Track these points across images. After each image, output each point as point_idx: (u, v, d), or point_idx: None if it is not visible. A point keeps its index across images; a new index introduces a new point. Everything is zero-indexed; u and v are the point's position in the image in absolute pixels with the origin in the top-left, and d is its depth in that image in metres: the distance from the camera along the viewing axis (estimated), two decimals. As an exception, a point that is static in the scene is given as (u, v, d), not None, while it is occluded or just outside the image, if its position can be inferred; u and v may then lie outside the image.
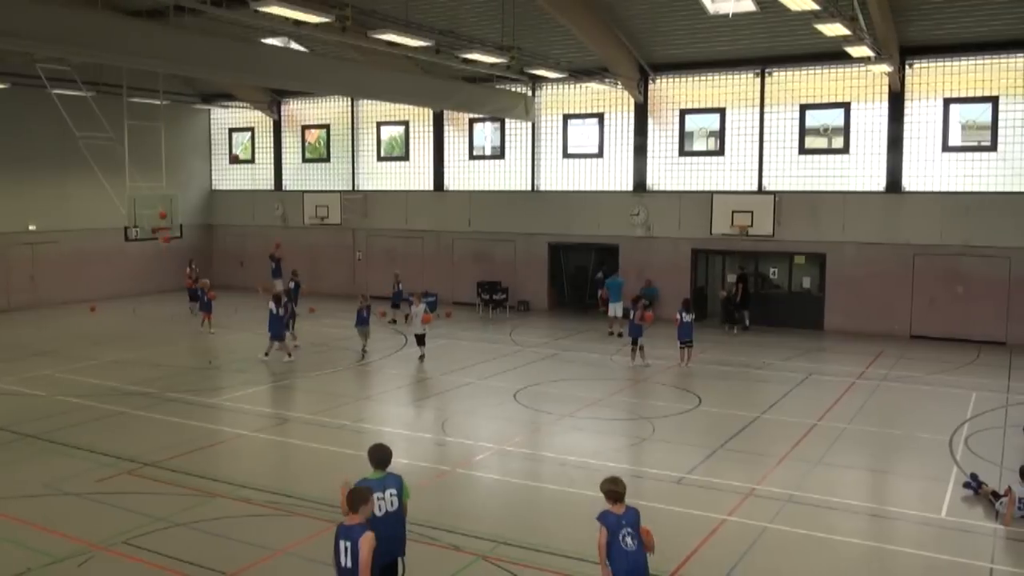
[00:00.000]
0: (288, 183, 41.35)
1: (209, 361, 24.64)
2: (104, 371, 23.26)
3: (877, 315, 29.19)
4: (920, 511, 13.42)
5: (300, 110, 40.88)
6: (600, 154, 33.76)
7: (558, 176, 34.75)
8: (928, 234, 28.35)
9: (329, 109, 39.94)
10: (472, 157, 36.77)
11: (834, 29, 20.05)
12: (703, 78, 31.55)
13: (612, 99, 33.12)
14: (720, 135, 31.63)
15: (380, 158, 38.99)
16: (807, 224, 29.96)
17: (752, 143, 30.91)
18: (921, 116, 28.47)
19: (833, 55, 26.21)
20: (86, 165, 31.04)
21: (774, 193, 30.27)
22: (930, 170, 28.49)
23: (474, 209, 36.12)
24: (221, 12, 19.38)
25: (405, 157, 38.23)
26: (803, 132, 30.30)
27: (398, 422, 19.32)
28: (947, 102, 28.17)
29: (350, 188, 39.27)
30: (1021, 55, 26.80)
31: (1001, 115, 27.38)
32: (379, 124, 38.80)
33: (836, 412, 19.35)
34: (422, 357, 24.36)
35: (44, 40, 18.43)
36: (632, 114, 32.73)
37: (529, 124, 34.54)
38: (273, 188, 41.61)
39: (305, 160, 41.04)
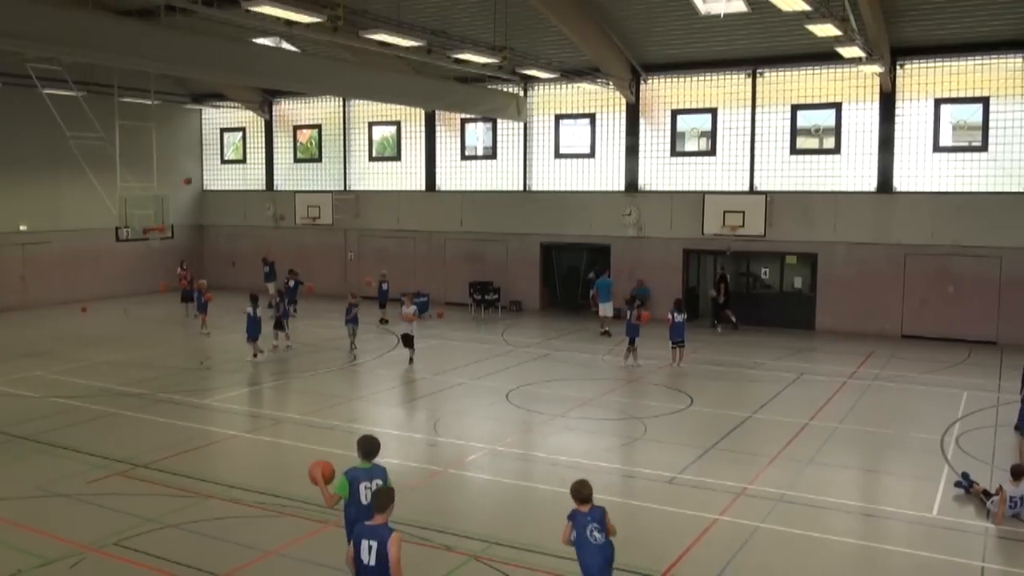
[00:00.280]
0: (280, 183, 41.29)
1: (200, 362, 24.60)
2: (95, 372, 23.21)
3: (868, 315, 29.27)
4: (911, 510, 13.45)
5: (292, 110, 40.83)
6: (592, 154, 33.78)
7: (550, 176, 34.76)
8: (919, 234, 28.43)
9: (321, 109, 39.90)
10: (464, 157, 36.76)
11: (825, 30, 20.08)
12: (695, 78, 31.58)
13: (604, 99, 33.15)
14: (712, 135, 31.66)
15: (372, 158, 38.95)
16: (798, 224, 30.01)
17: (744, 143, 30.96)
18: (912, 116, 28.55)
19: (824, 55, 26.26)
20: (77, 165, 30.95)
21: (765, 193, 30.33)
22: (921, 170, 28.57)
23: (466, 209, 36.12)
24: (212, 12, 19.33)
25: (397, 157, 38.21)
26: (794, 132, 30.36)
27: (390, 422, 19.30)
28: (938, 102, 28.24)
29: (342, 188, 39.23)
30: (1012, 56, 26.88)
31: (992, 115, 27.47)
32: (371, 124, 38.77)
33: (828, 412, 19.39)
34: (410, 360, 24.12)
35: (35, 39, 18.40)
36: (624, 114, 32.76)
37: (521, 124, 34.55)
38: (265, 188, 41.55)
39: (297, 160, 40.98)
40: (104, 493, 13.95)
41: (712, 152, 31.62)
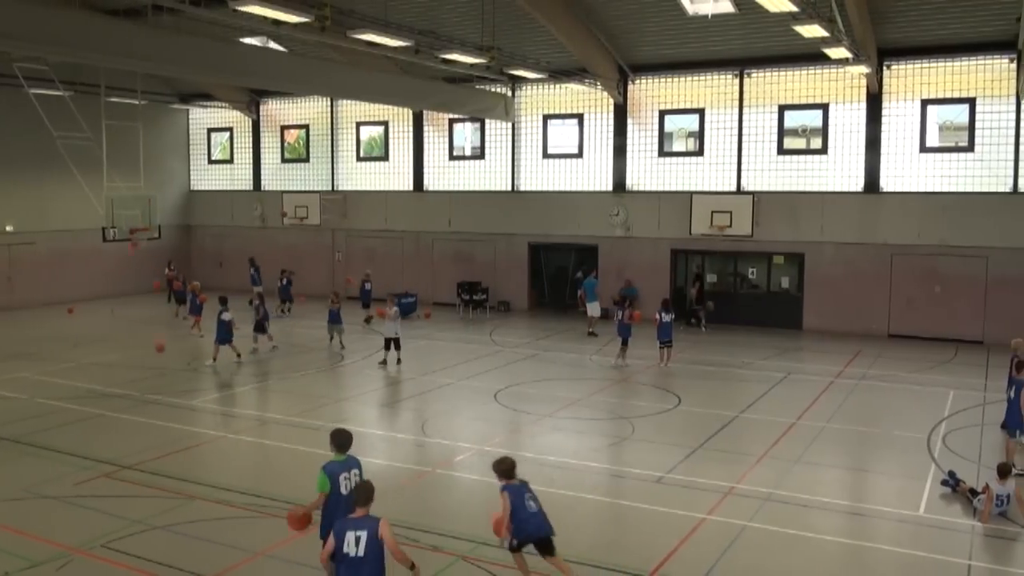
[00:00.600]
0: (267, 183, 41.21)
1: (188, 362, 24.53)
2: (82, 373, 23.12)
3: (855, 314, 29.37)
4: (898, 508, 13.51)
5: (279, 110, 40.75)
6: (580, 154, 33.82)
7: (538, 176, 34.77)
8: (906, 234, 28.53)
9: (308, 109, 39.83)
10: (452, 157, 36.75)
11: (812, 30, 20.14)
12: (682, 79, 31.65)
13: (592, 100, 33.18)
14: (699, 136, 31.72)
15: (360, 158, 38.90)
16: (786, 224, 30.10)
17: (731, 144, 31.03)
18: (899, 117, 28.66)
19: (811, 56, 26.30)
20: (64, 165, 30.82)
21: (753, 193, 30.40)
22: (908, 171, 28.69)
23: (454, 209, 36.10)
24: (200, 11, 19.29)
25: (385, 157, 38.17)
26: (782, 133, 30.44)
27: (378, 423, 19.31)
28: (924, 103, 28.36)
29: (330, 188, 39.17)
30: (998, 56, 27.01)
31: (978, 116, 27.60)
32: (359, 124, 38.72)
33: (815, 411, 19.45)
34: (398, 361, 24.01)
35: (21, 39, 18.32)
36: (612, 115, 32.80)
37: (509, 124, 34.55)
38: (252, 188, 41.45)
39: (284, 160, 40.90)
40: (91, 495, 13.90)
41: (700, 152, 31.69)
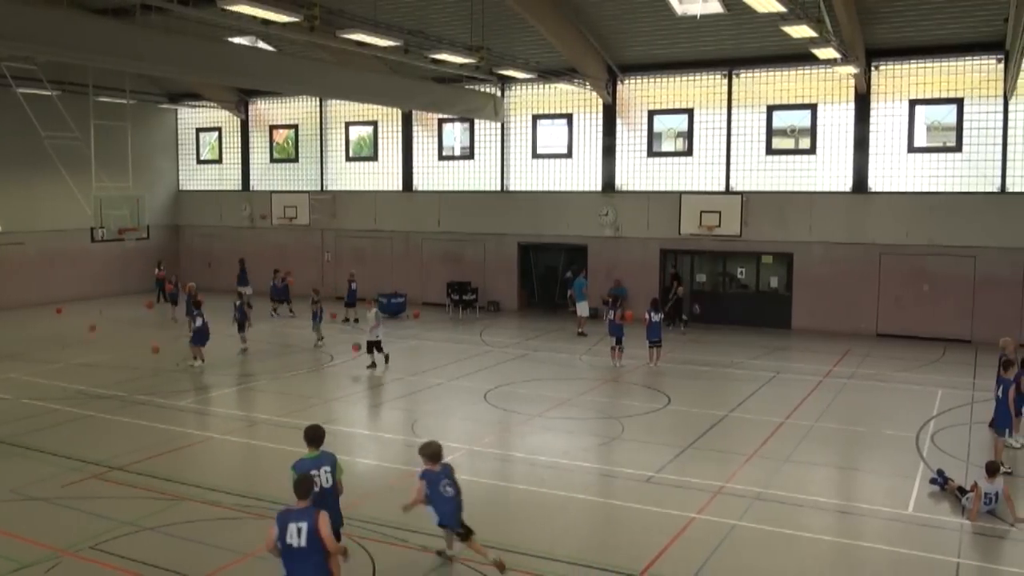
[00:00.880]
0: (256, 183, 41.13)
1: (177, 363, 24.46)
2: (71, 374, 23.04)
3: (844, 314, 29.46)
4: (887, 507, 13.55)
5: (268, 110, 40.68)
6: (569, 154, 33.84)
7: (527, 176, 34.79)
8: (894, 234, 28.64)
9: (297, 109, 39.76)
10: (441, 157, 36.73)
11: (801, 31, 20.18)
12: (671, 79, 31.70)
13: (581, 100, 33.20)
14: (688, 136, 31.78)
15: (349, 158, 38.86)
16: (774, 224, 30.17)
17: (720, 144, 31.09)
18: (887, 117, 28.76)
19: (800, 57, 26.34)
20: (52, 165, 30.66)
21: (742, 193, 30.47)
22: (896, 171, 28.78)
23: (444, 209, 36.09)
24: (188, 11, 19.24)
25: (374, 157, 38.13)
26: (770, 133, 30.51)
27: (368, 423, 19.30)
28: (912, 103, 28.47)
29: (319, 188, 39.12)
30: (986, 57, 27.12)
31: (966, 116, 27.71)
32: (348, 124, 38.68)
33: (803, 410, 19.50)
34: (374, 365, 23.66)
35: (8, 38, 18.21)
36: (601, 115, 32.83)
37: (498, 124, 34.55)
38: (241, 188, 41.37)
39: (273, 160, 40.84)
40: (80, 496, 13.85)
41: (689, 152, 31.75)
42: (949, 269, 28.01)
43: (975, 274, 27.68)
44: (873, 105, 28.81)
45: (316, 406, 19.88)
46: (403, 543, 11.93)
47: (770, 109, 30.35)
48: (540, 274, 35.69)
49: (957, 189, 27.90)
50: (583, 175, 33.57)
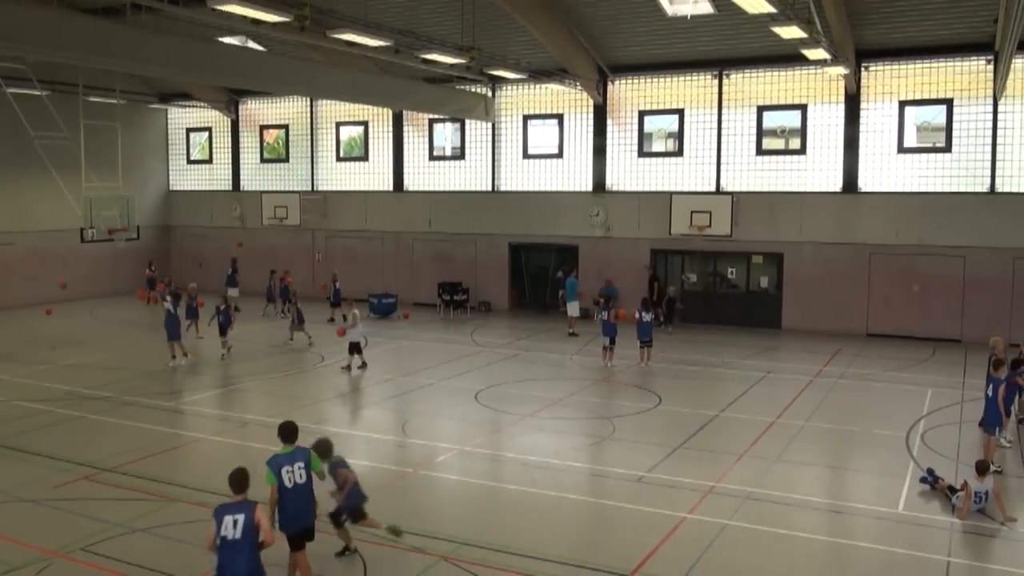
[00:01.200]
0: (246, 183, 41.05)
1: (167, 364, 24.39)
2: (61, 375, 22.96)
3: (834, 314, 29.52)
4: (878, 506, 13.59)
5: (258, 110, 40.61)
6: (560, 155, 33.85)
7: (518, 177, 34.79)
8: (884, 234, 28.72)
9: (288, 109, 39.71)
10: (432, 158, 36.71)
11: (791, 32, 20.22)
12: (662, 79, 31.72)
13: (571, 100, 33.22)
14: (679, 136, 31.82)
15: (339, 158, 38.82)
16: (765, 224, 30.23)
17: (710, 144, 31.13)
18: (877, 118, 28.84)
19: (790, 57, 26.41)
20: (41, 165, 30.57)
21: (732, 193, 30.52)
22: (886, 171, 28.86)
23: (434, 210, 36.08)
24: (178, 10, 19.20)
25: (365, 157, 38.09)
26: (760, 133, 30.57)
27: (359, 423, 19.28)
28: (902, 104, 28.55)
29: (309, 189, 39.07)
30: (975, 58, 27.20)
31: (955, 117, 27.80)
32: (338, 124, 38.63)
33: (794, 410, 19.54)
34: (363, 365, 23.64)
35: (-1, 38, 18.18)
36: (591, 115, 32.85)
37: (489, 125, 34.55)
38: (231, 189, 41.30)
39: (263, 160, 40.77)
40: (70, 498, 13.81)
41: (679, 153, 31.79)
42: (939, 269, 28.10)
43: (965, 274, 27.77)
44: (863, 106, 28.89)
45: (307, 406, 19.85)
46: (396, 544, 11.91)
47: (760, 109, 30.41)
48: (531, 274, 35.69)
49: (947, 189, 27.98)
50: (574, 175, 33.59)
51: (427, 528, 12.51)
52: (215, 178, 42.01)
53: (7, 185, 35.19)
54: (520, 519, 13.20)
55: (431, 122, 36.48)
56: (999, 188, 27.37)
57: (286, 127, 39.92)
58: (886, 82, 28.62)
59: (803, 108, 29.85)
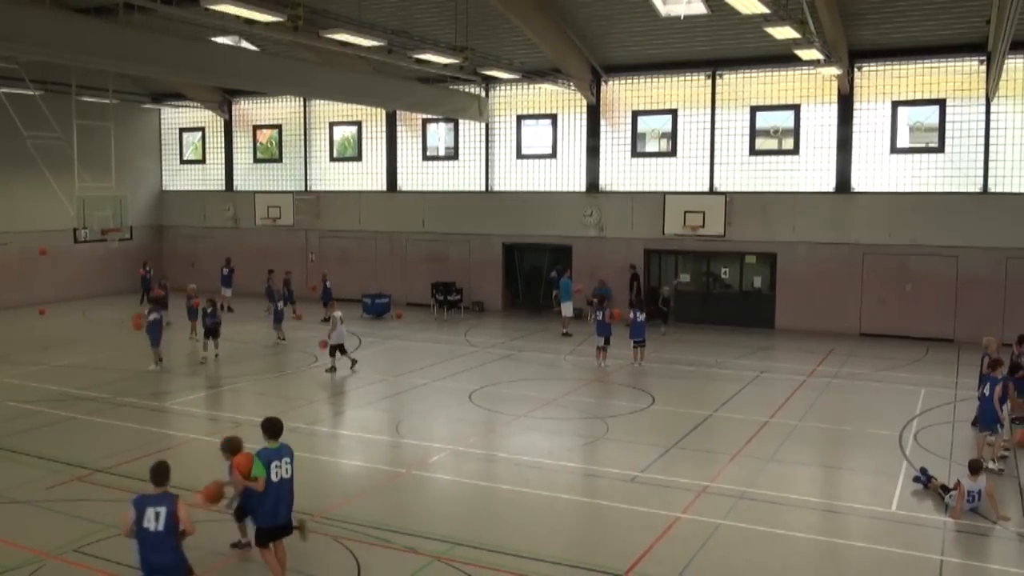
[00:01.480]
0: (239, 184, 41.00)
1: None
2: (54, 375, 22.90)
3: (827, 314, 29.56)
4: (871, 505, 13.62)
5: (251, 110, 40.55)
6: (554, 155, 33.86)
7: (512, 177, 34.79)
8: (877, 234, 28.76)
9: (281, 109, 39.65)
10: (426, 158, 36.70)
11: (784, 32, 20.27)
12: (655, 80, 31.75)
13: (565, 100, 33.23)
14: (672, 136, 31.85)
15: (333, 159, 38.78)
16: (758, 224, 30.27)
17: (704, 144, 31.16)
18: (870, 118, 28.88)
19: (783, 58, 26.45)
20: (34, 165, 30.46)
21: (725, 194, 30.55)
22: (879, 171, 28.92)
23: (428, 210, 36.06)
24: (171, 10, 19.20)
25: (358, 158, 38.06)
26: (754, 133, 30.61)
27: (352, 424, 19.26)
28: (895, 104, 28.61)
29: (303, 189, 39.02)
30: (968, 58, 27.27)
31: (948, 117, 27.86)
32: (332, 124, 38.60)
33: (787, 409, 19.57)
34: (353, 364, 23.57)
35: (-9, 38, 18.13)
36: (585, 115, 32.87)
37: (483, 125, 34.54)
38: (224, 189, 41.24)
39: (257, 160, 40.71)
40: (64, 499, 13.78)
41: (672, 153, 31.82)
42: (932, 269, 28.16)
43: (958, 274, 27.83)
44: (856, 106, 28.94)
45: (300, 407, 19.83)
46: (389, 544, 11.91)
47: (753, 110, 30.45)
48: (525, 274, 35.68)
49: (940, 189, 28.04)
50: (567, 175, 33.59)
51: (420, 528, 12.50)
52: (208, 178, 41.95)
53: (0, 185, 35.07)
54: (514, 519, 13.19)
55: (425, 122, 36.47)
56: (992, 188, 27.43)
57: (279, 127, 39.87)
58: (879, 82, 28.67)
59: (796, 108, 29.89)
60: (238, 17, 19.36)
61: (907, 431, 17.77)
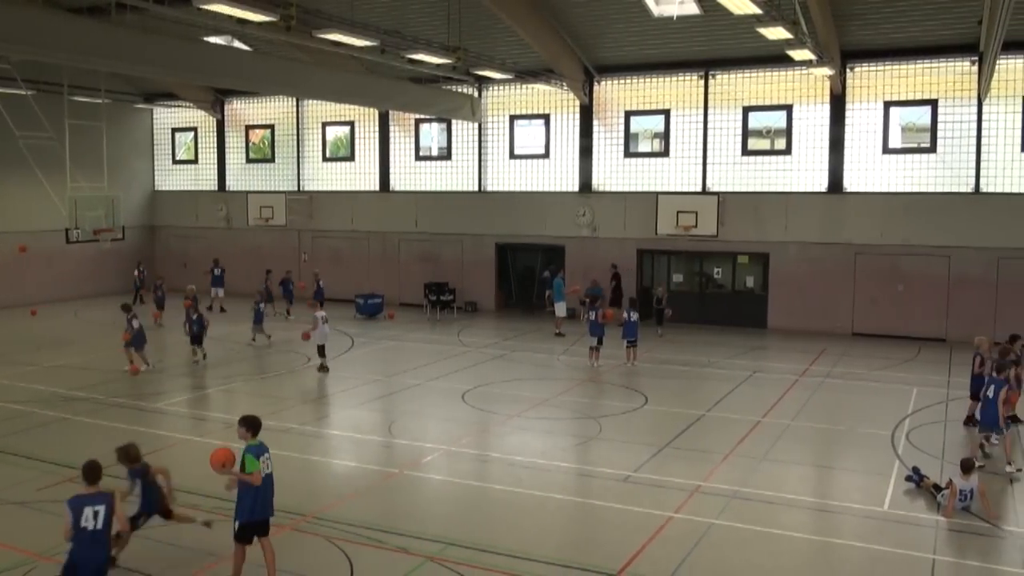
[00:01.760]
0: (232, 184, 40.93)
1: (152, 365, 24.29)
2: (45, 376, 22.84)
3: (819, 313, 29.63)
4: (863, 504, 13.64)
5: (244, 110, 40.49)
6: (546, 155, 33.87)
7: (505, 177, 34.79)
8: (869, 234, 28.83)
9: (274, 109, 39.61)
10: (419, 158, 36.68)
11: (776, 32, 20.28)
12: (648, 80, 31.78)
13: (558, 100, 33.24)
14: (665, 136, 31.88)
15: (325, 159, 38.74)
16: (750, 224, 30.32)
17: (696, 144, 31.20)
18: (862, 118, 28.96)
19: (775, 58, 26.48)
20: (26, 165, 30.39)
21: (718, 194, 30.59)
22: (871, 171, 28.99)
23: (421, 210, 36.04)
24: (164, 10, 19.16)
25: (351, 158, 38.03)
26: (746, 133, 30.66)
27: (345, 424, 19.22)
28: (887, 105, 28.69)
29: (295, 189, 38.98)
30: (959, 59, 27.34)
31: (940, 118, 27.95)
32: (324, 124, 38.56)
33: (780, 409, 19.59)
34: (326, 368, 23.44)
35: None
36: (578, 115, 32.89)
37: (476, 125, 34.54)
38: (217, 189, 41.17)
39: (249, 160, 40.66)
40: (56, 500, 13.62)
41: (665, 153, 31.85)
42: (924, 269, 28.23)
43: (950, 274, 27.92)
44: (848, 106, 29.01)
45: (293, 407, 19.82)
46: (382, 545, 11.90)
47: (746, 110, 30.50)
48: (518, 274, 35.70)
49: (932, 189, 28.12)
50: (560, 176, 33.61)
51: (413, 528, 12.50)
52: (200, 178, 41.87)
53: (-8, 185, 35.04)
54: (507, 519, 13.19)
55: (417, 122, 36.45)
56: (983, 188, 27.52)
57: (272, 127, 39.82)
58: (871, 83, 28.74)
59: (788, 108, 29.95)
60: (231, 17, 19.33)
61: (899, 430, 17.81)
